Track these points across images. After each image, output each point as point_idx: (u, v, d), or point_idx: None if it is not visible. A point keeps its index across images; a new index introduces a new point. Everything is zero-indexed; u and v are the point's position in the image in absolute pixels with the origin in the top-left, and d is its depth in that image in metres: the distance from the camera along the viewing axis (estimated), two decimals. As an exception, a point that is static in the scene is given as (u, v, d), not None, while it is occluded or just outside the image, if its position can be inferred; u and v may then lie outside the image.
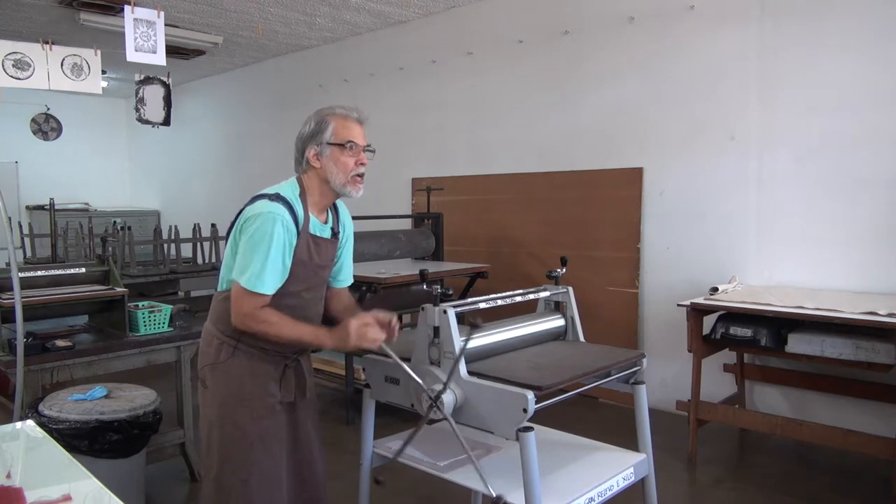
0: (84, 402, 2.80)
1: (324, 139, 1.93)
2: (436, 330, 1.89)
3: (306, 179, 1.98)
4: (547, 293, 2.31)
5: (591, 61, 4.71)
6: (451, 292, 1.92)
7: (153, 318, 3.19)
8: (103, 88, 4.87)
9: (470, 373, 1.84)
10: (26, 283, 2.99)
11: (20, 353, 2.67)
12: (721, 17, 4.10)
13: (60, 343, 2.91)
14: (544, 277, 2.33)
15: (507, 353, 2.08)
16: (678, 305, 3.63)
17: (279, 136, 7.01)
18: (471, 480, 1.88)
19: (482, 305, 2.07)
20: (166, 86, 5.39)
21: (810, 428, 3.30)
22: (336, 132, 1.93)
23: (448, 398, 1.79)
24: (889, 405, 3.54)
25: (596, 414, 4.35)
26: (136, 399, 2.91)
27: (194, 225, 5.66)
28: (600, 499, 1.88)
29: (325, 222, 2.03)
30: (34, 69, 4.04)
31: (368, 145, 1.99)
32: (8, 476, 1.41)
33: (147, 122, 5.35)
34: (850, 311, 3.10)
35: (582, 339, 2.29)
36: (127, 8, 4.21)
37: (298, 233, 1.90)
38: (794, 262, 3.90)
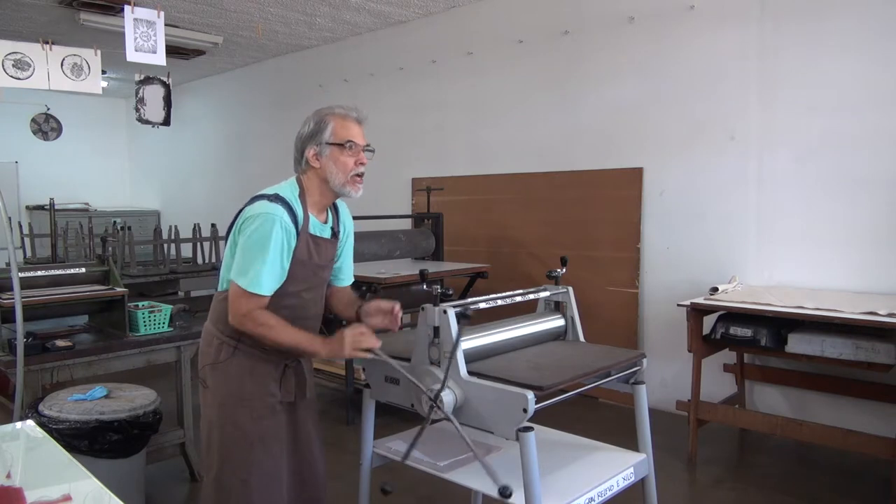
0: (84, 402, 2.80)
1: (323, 139, 1.93)
2: (436, 330, 1.88)
3: (306, 179, 1.98)
4: (547, 293, 2.31)
5: (591, 61, 4.71)
6: (451, 292, 1.91)
7: (153, 318, 3.19)
8: (103, 88, 4.86)
9: (470, 373, 1.84)
10: (26, 283, 2.99)
11: (20, 353, 2.67)
12: (721, 17, 4.10)
13: (60, 343, 2.91)
14: (544, 277, 2.33)
15: (507, 353, 2.08)
16: (678, 305, 3.63)
17: (279, 136, 7.00)
18: (471, 480, 1.88)
19: (482, 305, 2.07)
20: (166, 86, 5.39)
21: (810, 428, 3.30)
22: (335, 132, 1.93)
23: (448, 398, 1.79)
24: (889, 405, 3.54)
25: (596, 414, 4.35)
26: (136, 399, 2.91)
27: (194, 225, 5.66)
28: (600, 499, 1.88)
29: (325, 222, 2.03)
30: (34, 69, 4.04)
31: (368, 145, 1.99)
32: (8, 476, 1.41)
33: (147, 122, 5.35)
34: (850, 311, 3.10)
35: (582, 339, 2.29)
36: (127, 8, 4.21)
37: (298, 233, 1.90)
38: (794, 262, 3.90)
